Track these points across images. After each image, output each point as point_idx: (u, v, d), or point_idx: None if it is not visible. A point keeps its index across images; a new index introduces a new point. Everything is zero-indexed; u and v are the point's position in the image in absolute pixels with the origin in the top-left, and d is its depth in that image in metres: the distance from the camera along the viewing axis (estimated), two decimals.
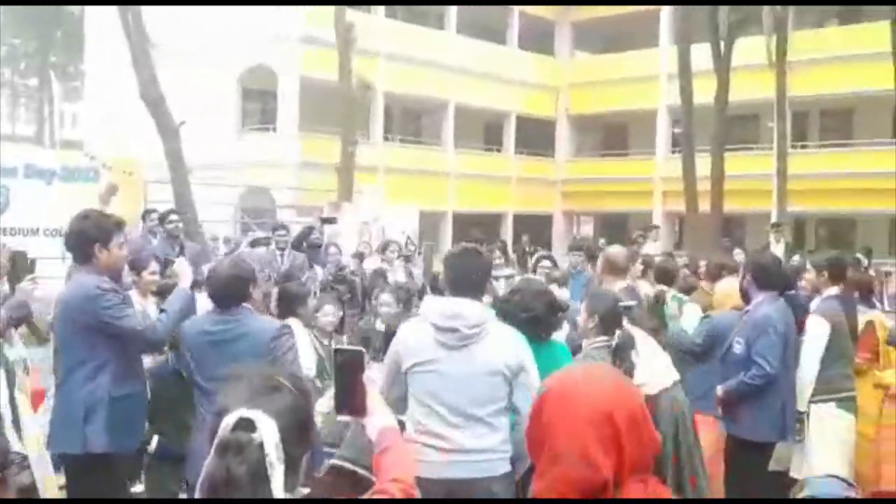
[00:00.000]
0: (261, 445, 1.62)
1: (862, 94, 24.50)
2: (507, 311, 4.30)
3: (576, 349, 4.75)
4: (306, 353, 5.05)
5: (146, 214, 10.18)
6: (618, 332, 4.37)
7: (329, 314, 5.51)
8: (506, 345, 3.60)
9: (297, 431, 1.72)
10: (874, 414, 5.53)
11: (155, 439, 4.94)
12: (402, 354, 3.64)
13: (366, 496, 1.96)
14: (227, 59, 23.53)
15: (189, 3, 22.47)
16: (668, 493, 1.81)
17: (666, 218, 29.37)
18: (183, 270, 4.38)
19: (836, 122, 28.04)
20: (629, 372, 4.43)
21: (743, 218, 26.32)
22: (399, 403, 3.57)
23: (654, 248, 13.52)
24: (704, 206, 20.02)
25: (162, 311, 4.26)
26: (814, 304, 5.54)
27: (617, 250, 6.06)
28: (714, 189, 19.82)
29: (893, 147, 17.48)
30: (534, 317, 4.20)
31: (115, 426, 4.02)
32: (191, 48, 22.73)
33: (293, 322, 5.35)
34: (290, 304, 5.31)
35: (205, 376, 4.06)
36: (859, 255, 10.05)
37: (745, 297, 5.19)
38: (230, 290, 4.10)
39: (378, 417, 2.15)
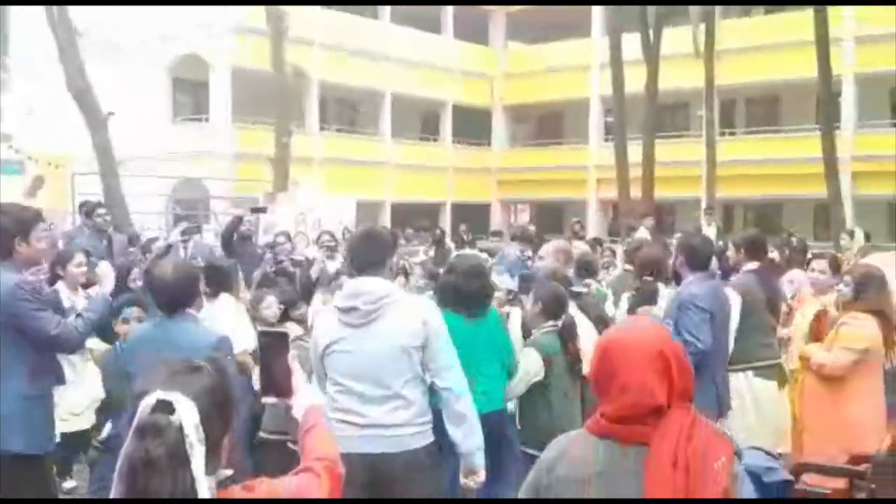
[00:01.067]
0: (180, 427, 1.61)
1: (787, 82, 25.08)
2: (442, 289, 4.53)
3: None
4: (242, 328, 5.08)
5: (82, 207, 9.99)
6: (563, 316, 4.81)
7: (271, 306, 5.49)
8: (409, 316, 3.63)
9: (217, 412, 1.71)
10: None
11: (108, 427, 4.91)
12: (317, 340, 3.75)
13: (290, 474, 1.96)
14: (157, 49, 23.05)
15: (169, 4, 21.89)
16: (704, 420, 2.14)
17: (600, 205, 29.84)
18: (106, 274, 4.30)
19: (762, 109, 28.68)
20: (577, 352, 4.77)
21: (673, 204, 26.87)
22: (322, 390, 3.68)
23: (644, 234, 13.78)
24: (636, 192, 20.41)
25: (79, 315, 4.15)
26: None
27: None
28: (645, 176, 20.20)
29: (818, 133, 18.00)
30: (466, 296, 4.51)
31: (29, 426, 3.91)
32: (120, 38, 22.20)
33: (224, 298, 5.36)
34: (218, 282, 5.34)
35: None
36: (791, 232, 10.41)
37: (677, 278, 5.35)
38: (176, 296, 3.95)
39: (303, 396, 2.18)
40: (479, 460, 3.74)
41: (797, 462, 4.54)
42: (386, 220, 27.59)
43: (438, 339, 3.65)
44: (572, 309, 5.10)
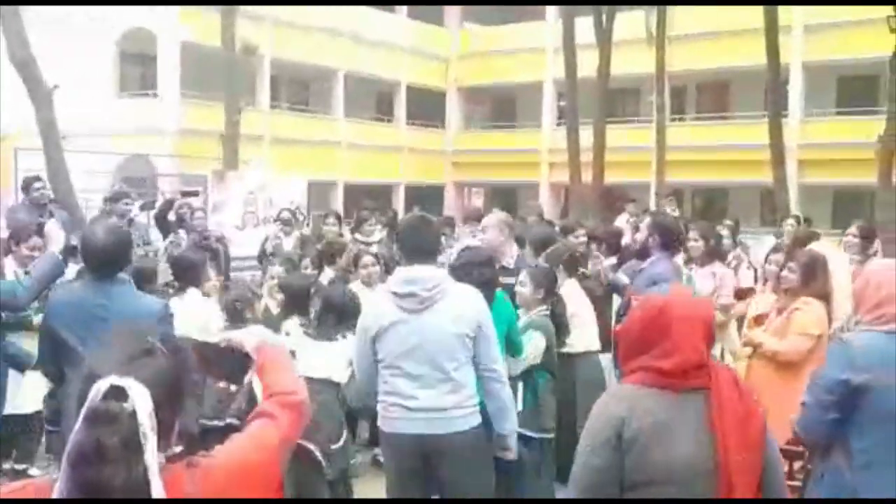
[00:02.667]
0: (133, 415, 1.55)
1: (737, 69, 25.45)
2: (458, 279, 4.56)
3: None
4: (213, 323, 4.95)
5: (27, 185, 9.69)
6: (552, 299, 5.07)
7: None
8: (463, 303, 3.82)
9: (171, 397, 1.66)
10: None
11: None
12: (369, 324, 3.84)
13: (251, 417, 1.91)
14: (103, 21, 22.49)
15: (165, 4, 21.30)
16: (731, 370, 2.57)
17: (552, 189, 30.01)
18: (53, 233, 4.22)
19: (712, 95, 29.07)
20: (565, 330, 5.08)
21: (623, 188, 27.12)
22: (370, 372, 3.86)
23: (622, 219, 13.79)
24: (588, 176, 20.56)
25: (27, 273, 4.09)
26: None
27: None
28: (596, 160, 20.35)
29: (766, 120, 18.30)
30: (479, 284, 4.47)
31: None
32: (65, 9, 21.61)
33: (192, 292, 5.26)
34: (185, 275, 5.24)
35: (79, 339, 3.74)
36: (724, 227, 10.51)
37: (644, 254, 5.52)
38: (108, 258, 3.79)
39: (251, 336, 2.12)
40: (513, 441, 4.04)
41: None
42: (338, 201, 27.40)
43: (489, 328, 3.85)
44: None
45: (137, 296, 3.91)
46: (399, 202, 29.32)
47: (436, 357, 3.72)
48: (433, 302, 3.74)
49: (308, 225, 13.45)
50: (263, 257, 8.97)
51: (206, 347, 2.04)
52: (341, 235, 9.14)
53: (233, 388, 4.40)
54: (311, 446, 4.36)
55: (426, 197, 28.38)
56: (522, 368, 4.81)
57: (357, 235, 9.37)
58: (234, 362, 2.11)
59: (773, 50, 17.22)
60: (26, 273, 4.09)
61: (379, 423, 3.92)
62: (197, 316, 4.93)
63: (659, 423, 2.34)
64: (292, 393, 1.98)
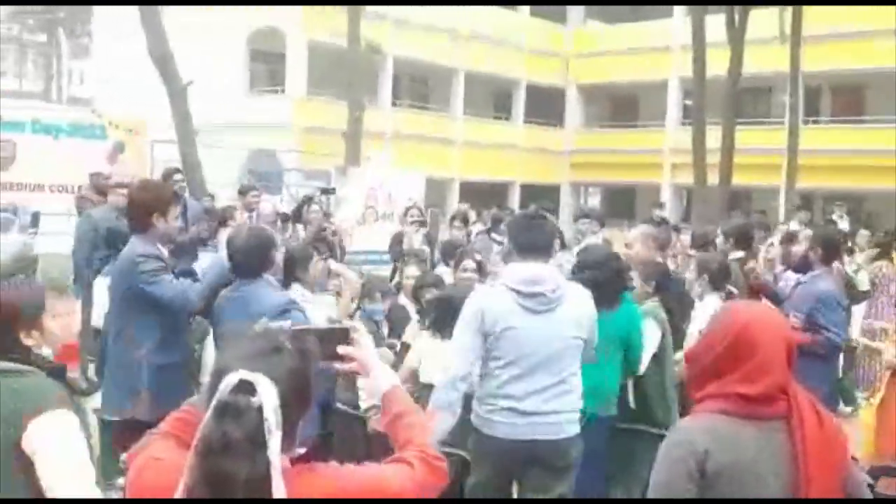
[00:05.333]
0: (260, 409, 1.57)
1: (873, 71, 24.27)
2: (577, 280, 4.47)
3: None
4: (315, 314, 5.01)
5: (168, 176, 10.12)
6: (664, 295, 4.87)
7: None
8: (581, 306, 3.77)
9: (297, 395, 1.67)
10: None
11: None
12: (487, 320, 3.64)
13: (387, 461, 1.88)
14: (236, 19, 23.32)
15: (187, 4, 22.11)
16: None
17: (674, 190, 29.25)
18: (266, 210, 4.40)
19: (847, 98, 27.76)
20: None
21: (749, 192, 26.16)
22: (468, 368, 3.62)
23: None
24: (713, 179, 19.88)
25: (196, 280, 4.29)
26: None
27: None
28: (723, 162, 19.63)
29: None
30: (598, 285, 4.24)
31: (156, 394, 4.06)
32: (199, 9, 22.52)
33: (296, 288, 5.32)
34: (292, 268, 5.28)
35: (217, 335, 4.15)
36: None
37: (804, 268, 5.30)
38: (247, 259, 4.01)
39: (378, 378, 2.04)
40: None
41: (872, 465, 4.46)
42: (454, 199, 27.53)
43: (596, 332, 3.83)
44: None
45: (265, 292, 4.01)
46: (514, 201, 29.22)
47: (554, 361, 3.64)
48: (558, 304, 3.64)
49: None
50: (400, 256, 9.04)
51: (306, 332, 2.00)
52: (468, 236, 9.18)
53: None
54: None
55: (541, 196, 28.08)
56: (646, 364, 4.51)
57: (494, 235, 9.42)
58: (329, 349, 2.03)
59: None
60: (196, 280, 4.27)
61: (474, 420, 3.74)
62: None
63: (743, 460, 2.15)
64: (440, 459, 1.92)
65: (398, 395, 2.03)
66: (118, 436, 4.17)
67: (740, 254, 6.27)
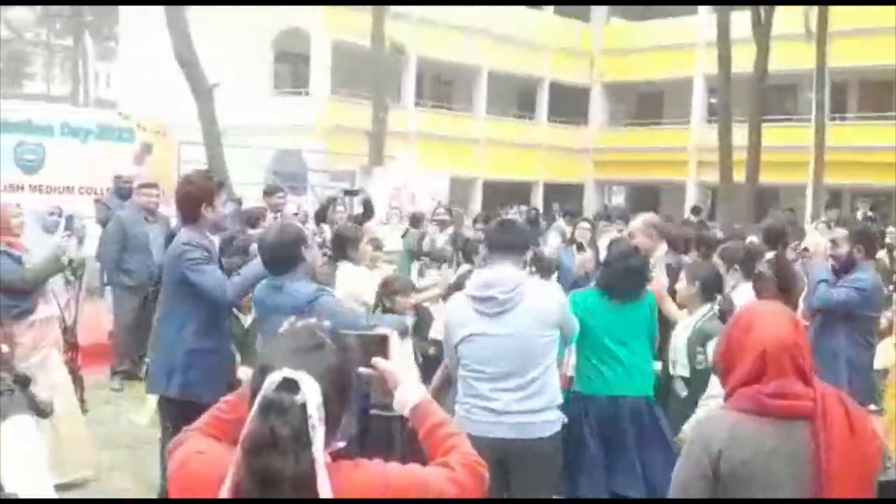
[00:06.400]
0: (304, 407, 1.60)
1: None
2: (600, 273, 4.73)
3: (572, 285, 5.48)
4: (363, 287, 5.27)
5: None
6: (719, 298, 4.84)
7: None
8: (545, 301, 3.80)
9: (338, 391, 1.69)
10: None
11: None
12: (450, 329, 3.87)
13: (431, 465, 1.88)
14: (260, 21, 23.47)
15: (202, 3, 22.25)
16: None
17: (699, 188, 29.06)
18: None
19: (874, 94, 27.40)
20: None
21: (776, 189, 25.94)
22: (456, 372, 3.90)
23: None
24: (738, 177, 19.73)
25: (237, 275, 4.43)
26: None
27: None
28: (750, 160, 19.48)
29: None
30: (624, 276, 4.57)
31: (197, 377, 4.30)
32: (225, 9, 22.69)
33: (344, 265, 5.53)
34: (342, 246, 5.49)
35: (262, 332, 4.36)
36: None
37: (847, 266, 5.21)
38: (278, 255, 4.11)
39: (408, 390, 2.03)
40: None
41: None
42: (477, 198, 27.55)
43: (569, 317, 3.95)
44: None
45: (295, 284, 4.08)
46: (538, 200, 29.17)
47: (519, 361, 3.69)
48: (513, 305, 3.69)
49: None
50: (419, 256, 9.08)
51: (343, 337, 2.02)
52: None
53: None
54: None
55: (565, 195, 28.09)
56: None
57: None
58: (366, 354, 2.03)
59: None
60: (236, 275, 4.42)
61: (457, 423, 3.78)
62: (351, 284, 5.24)
63: (759, 458, 2.12)
64: (482, 465, 1.93)
65: (430, 408, 2.01)
66: (167, 411, 4.49)
67: (771, 253, 6.22)
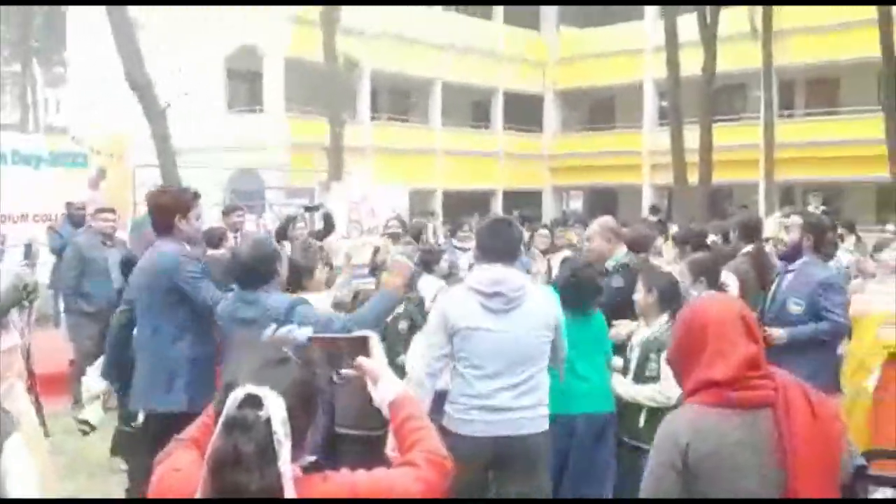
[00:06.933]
0: (268, 422, 1.60)
1: (846, 62, 24.50)
2: (563, 286, 4.60)
3: None
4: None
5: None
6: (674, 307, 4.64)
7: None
8: (546, 304, 3.88)
9: (303, 405, 1.70)
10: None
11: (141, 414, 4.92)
12: (450, 320, 3.79)
13: (395, 464, 1.91)
14: (212, 40, 23.32)
15: (186, 3, 22.17)
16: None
17: (654, 191, 29.44)
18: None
19: (822, 90, 28.00)
20: None
21: (729, 188, 26.37)
22: (436, 369, 3.82)
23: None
24: (692, 178, 20.04)
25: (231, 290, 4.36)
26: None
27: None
28: (702, 161, 19.79)
29: (880, 114, 17.49)
30: (585, 292, 4.60)
31: (193, 387, 4.26)
32: (175, 29, 22.52)
33: (304, 295, 5.41)
34: (298, 278, 5.38)
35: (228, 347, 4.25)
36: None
37: (792, 255, 5.21)
38: (253, 269, 4.06)
39: (387, 385, 2.07)
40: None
41: (870, 449, 4.47)
42: (437, 209, 27.60)
43: (562, 329, 3.93)
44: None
45: (270, 296, 4.05)
46: (498, 208, 29.31)
47: (519, 359, 3.74)
48: (518, 304, 3.76)
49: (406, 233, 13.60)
50: (375, 269, 9.06)
51: (326, 340, 2.06)
52: (439, 245, 9.22)
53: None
54: None
55: (524, 202, 28.28)
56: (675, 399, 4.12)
57: (454, 241, 9.43)
58: (337, 360, 2.09)
59: (887, 41, 16.44)
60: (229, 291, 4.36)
61: (447, 423, 3.77)
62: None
63: (725, 450, 2.15)
64: (445, 458, 1.95)
65: (405, 402, 2.05)
66: (156, 427, 4.31)
67: (749, 247, 6.32)
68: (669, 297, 4.51)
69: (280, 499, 1.60)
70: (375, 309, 3.93)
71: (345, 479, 1.77)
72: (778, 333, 4.91)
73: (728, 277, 5.41)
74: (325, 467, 1.79)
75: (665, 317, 4.46)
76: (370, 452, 4.40)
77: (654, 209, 19.31)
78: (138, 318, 4.57)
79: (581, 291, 4.55)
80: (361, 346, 2.11)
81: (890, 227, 9.63)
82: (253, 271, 4.03)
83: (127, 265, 6.04)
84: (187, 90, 19.25)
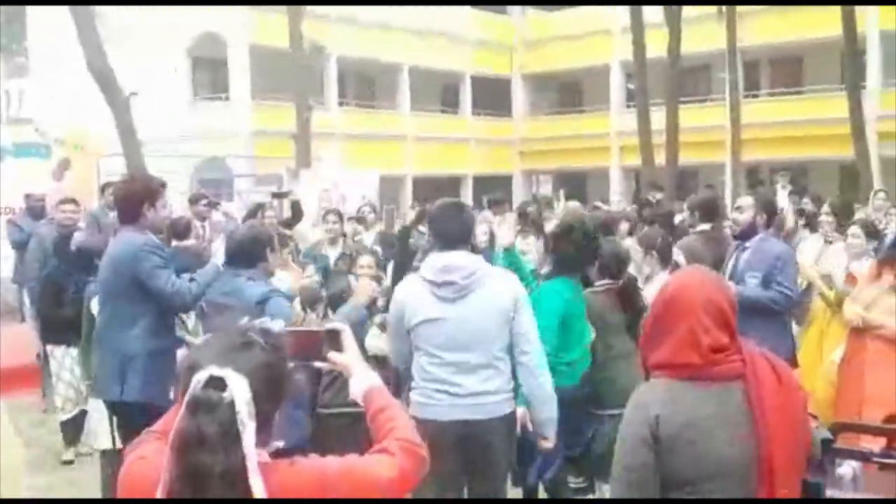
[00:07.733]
0: (231, 404, 1.61)
1: (810, 41, 24.70)
2: (562, 254, 4.65)
3: None
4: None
5: (104, 188, 10.03)
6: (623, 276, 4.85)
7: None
8: (502, 288, 3.79)
9: (269, 388, 1.70)
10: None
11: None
12: (405, 312, 3.79)
13: (369, 453, 1.91)
14: (175, 28, 23.05)
15: (169, 3, 21.87)
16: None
17: (623, 173, 29.59)
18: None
19: (785, 70, 28.25)
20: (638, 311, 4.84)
21: (696, 169, 26.59)
22: (406, 356, 3.89)
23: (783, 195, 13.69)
24: (660, 159, 20.19)
25: (192, 279, 4.42)
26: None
27: None
28: (669, 142, 19.94)
29: (843, 93, 17.73)
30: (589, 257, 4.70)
31: (148, 378, 4.28)
32: (138, 18, 22.23)
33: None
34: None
35: (205, 327, 4.43)
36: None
37: (747, 234, 5.27)
38: (245, 249, 4.27)
39: (360, 378, 2.07)
40: (551, 431, 3.89)
41: (834, 422, 4.53)
42: (408, 194, 27.55)
43: (526, 309, 3.81)
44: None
45: (249, 283, 4.20)
46: (468, 193, 29.32)
47: (477, 344, 3.71)
48: (470, 290, 3.71)
49: (380, 219, 13.57)
50: (344, 257, 9.05)
51: (297, 334, 2.07)
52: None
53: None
54: None
55: (495, 187, 28.22)
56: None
57: (420, 228, 9.42)
58: (309, 349, 2.09)
59: (849, 20, 16.65)
60: (192, 280, 4.43)
61: (411, 410, 3.72)
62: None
63: (696, 420, 2.17)
64: (420, 446, 1.95)
65: (376, 394, 2.05)
66: (119, 414, 4.48)
67: (707, 226, 6.47)
68: (667, 255, 5.06)
69: (242, 486, 1.60)
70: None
71: (314, 465, 1.77)
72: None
73: (678, 255, 5.44)
74: (308, 453, 1.80)
75: (665, 273, 4.91)
76: (358, 429, 4.44)
77: (658, 186, 18.92)
78: (100, 306, 4.62)
79: (581, 255, 4.56)
80: (334, 339, 2.11)
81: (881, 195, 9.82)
82: (243, 251, 4.20)
83: (60, 243, 6.02)
84: (152, 79, 19.06)
